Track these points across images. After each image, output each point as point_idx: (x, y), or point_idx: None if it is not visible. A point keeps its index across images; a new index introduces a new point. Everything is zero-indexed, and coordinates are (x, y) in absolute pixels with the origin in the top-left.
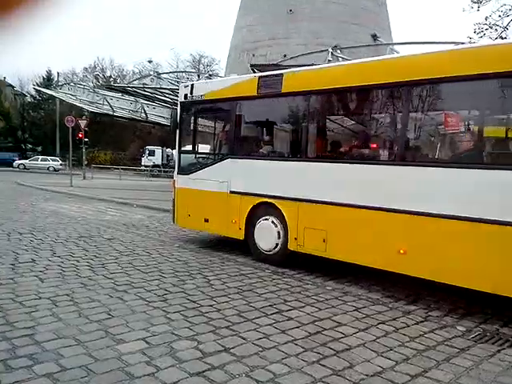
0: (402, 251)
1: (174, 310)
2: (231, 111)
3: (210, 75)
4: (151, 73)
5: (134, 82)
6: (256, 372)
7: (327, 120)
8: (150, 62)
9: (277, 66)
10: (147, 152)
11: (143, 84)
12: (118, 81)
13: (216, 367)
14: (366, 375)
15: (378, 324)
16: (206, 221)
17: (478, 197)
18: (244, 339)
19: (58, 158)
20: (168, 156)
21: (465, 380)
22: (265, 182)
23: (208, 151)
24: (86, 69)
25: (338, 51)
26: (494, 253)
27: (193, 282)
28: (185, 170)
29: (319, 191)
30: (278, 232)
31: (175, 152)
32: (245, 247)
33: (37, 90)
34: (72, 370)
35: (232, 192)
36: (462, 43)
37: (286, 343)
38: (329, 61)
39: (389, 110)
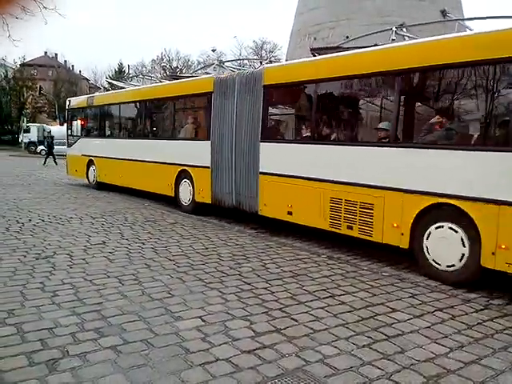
0: (120, 176)
1: (229, 291)
2: (81, 113)
3: (271, 61)
4: (215, 62)
5: (198, 72)
6: (305, 352)
7: (105, 120)
8: (213, 51)
9: (337, 49)
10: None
11: (206, 73)
12: (184, 71)
13: (267, 346)
14: (418, 360)
15: (435, 311)
16: (76, 171)
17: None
18: (295, 321)
19: None
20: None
21: None
22: (91, 149)
23: (76, 134)
24: (153, 60)
25: (404, 29)
26: None
27: (249, 265)
28: (70, 145)
29: (104, 152)
30: (94, 174)
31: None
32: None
33: (109, 83)
34: (134, 343)
35: (82, 155)
36: None
37: (336, 326)
38: (393, 40)
39: (132, 114)
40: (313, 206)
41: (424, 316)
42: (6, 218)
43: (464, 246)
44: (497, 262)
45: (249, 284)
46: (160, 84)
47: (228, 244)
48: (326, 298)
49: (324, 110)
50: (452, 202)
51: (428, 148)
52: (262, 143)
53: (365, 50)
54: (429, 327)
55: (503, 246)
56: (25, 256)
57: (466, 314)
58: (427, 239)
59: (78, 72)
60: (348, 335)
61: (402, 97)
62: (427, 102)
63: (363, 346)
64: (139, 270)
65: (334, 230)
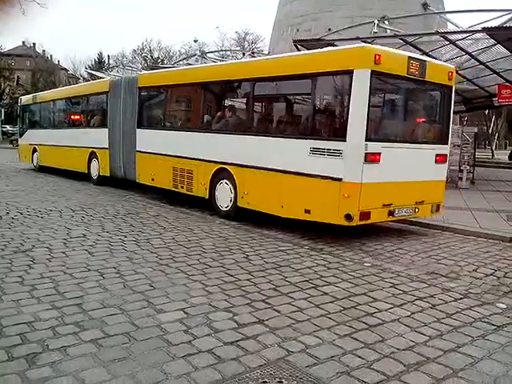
0: (54, 159)
1: (212, 283)
2: (29, 109)
3: (253, 53)
4: (197, 52)
5: (180, 63)
6: (288, 343)
7: (44, 114)
8: (195, 41)
9: (320, 41)
10: None
11: (188, 64)
12: (165, 61)
13: (249, 337)
14: (398, 349)
15: (415, 300)
16: (25, 157)
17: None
18: (278, 312)
19: None
20: None
21: (498, 356)
22: (35, 138)
23: (26, 127)
24: (134, 51)
25: (386, 22)
26: None
27: (232, 257)
28: (21, 135)
29: (43, 140)
30: (37, 159)
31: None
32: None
33: (88, 73)
34: (115, 336)
35: (29, 144)
36: None
37: (318, 317)
38: (374, 33)
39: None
40: (164, 174)
41: (404, 305)
42: None
43: (231, 194)
44: (243, 202)
45: (232, 276)
46: (75, 85)
47: (211, 236)
48: (309, 288)
49: (169, 106)
50: (226, 166)
51: (215, 133)
52: (138, 129)
53: (184, 68)
54: (409, 316)
55: (245, 192)
56: (3, 250)
57: (446, 302)
58: (217, 191)
59: (57, 62)
60: (330, 325)
61: (206, 100)
62: (215, 103)
63: (344, 335)
64: (121, 262)
65: (174, 189)
